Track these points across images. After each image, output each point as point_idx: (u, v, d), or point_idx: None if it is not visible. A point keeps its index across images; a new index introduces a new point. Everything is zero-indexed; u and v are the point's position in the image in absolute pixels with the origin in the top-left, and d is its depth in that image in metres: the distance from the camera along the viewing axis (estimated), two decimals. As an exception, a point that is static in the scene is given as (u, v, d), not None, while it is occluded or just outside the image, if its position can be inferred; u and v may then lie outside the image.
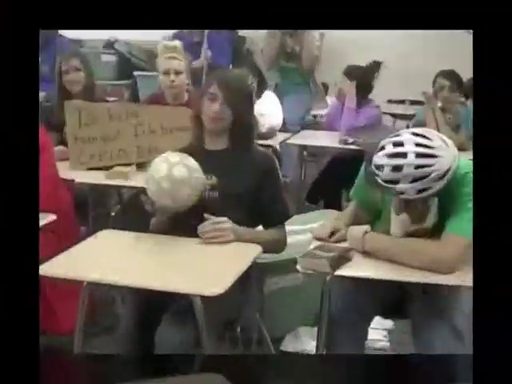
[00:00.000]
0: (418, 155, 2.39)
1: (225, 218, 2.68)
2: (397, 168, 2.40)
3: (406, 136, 2.45)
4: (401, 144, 2.42)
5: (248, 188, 2.78)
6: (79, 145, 3.89)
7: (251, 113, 2.88)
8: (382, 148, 2.45)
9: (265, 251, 2.72)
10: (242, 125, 2.82)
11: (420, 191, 2.42)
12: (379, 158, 2.44)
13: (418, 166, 2.39)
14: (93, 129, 3.89)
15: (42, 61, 5.29)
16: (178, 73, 4.11)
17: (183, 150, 2.85)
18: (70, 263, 2.52)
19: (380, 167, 2.43)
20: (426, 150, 2.40)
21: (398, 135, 2.47)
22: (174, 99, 4.16)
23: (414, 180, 2.39)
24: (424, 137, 2.43)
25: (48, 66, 5.26)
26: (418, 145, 2.41)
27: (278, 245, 2.88)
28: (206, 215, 2.68)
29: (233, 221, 2.70)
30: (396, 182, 2.42)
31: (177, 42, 4.23)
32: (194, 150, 2.85)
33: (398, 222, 2.53)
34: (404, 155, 2.40)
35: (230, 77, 2.87)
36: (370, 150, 2.72)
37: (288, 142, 5.20)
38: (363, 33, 7.48)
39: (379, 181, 2.45)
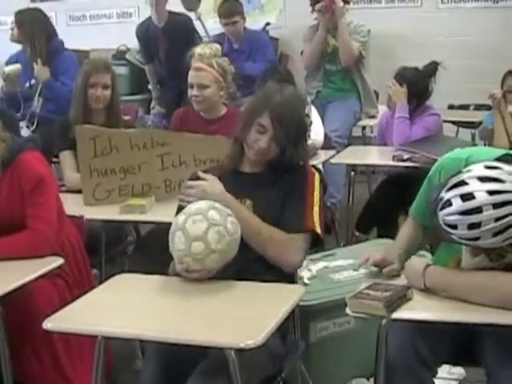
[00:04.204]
0: (496, 206, 2.34)
1: (200, 182, 2.83)
2: (474, 225, 2.36)
3: (473, 184, 2.38)
4: (471, 196, 2.37)
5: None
6: (94, 178, 3.84)
7: (300, 146, 2.91)
8: (449, 203, 2.40)
9: (260, 250, 2.78)
10: (287, 157, 2.88)
11: (506, 240, 2.38)
12: (449, 216, 2.40)
13: (498, 218, 2.34)
14: (111, 159, 3.83)
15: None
16: (203, 87, 4.21)
17: (213, 170, 2.95)
18: (82, 315, 2.55)
19: (453, 226, 2.40)
20: (503, 197, 2.35)
21: (461, 183, 2.40)
22: (205, 112, 4.30)
23: (497, 234, 2.36)
24: (495, 180, 2.37)
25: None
26: (491, 193, 2.35)
27: (281, 249, 2.80)
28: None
29: None
30: (476, 239, 2.39)
31: (206, 49, 4.30)
32: (227, 171, 2.93)
33: (472, 261, 2.51)
34: (479, 210, 2.35)
35: (285, 110, 2.88)
36: (429, 166, 2.71)
37: (333, 161, 5.07)
38: (417, 28, 7.54)
39: (455, 238, 2.42)
